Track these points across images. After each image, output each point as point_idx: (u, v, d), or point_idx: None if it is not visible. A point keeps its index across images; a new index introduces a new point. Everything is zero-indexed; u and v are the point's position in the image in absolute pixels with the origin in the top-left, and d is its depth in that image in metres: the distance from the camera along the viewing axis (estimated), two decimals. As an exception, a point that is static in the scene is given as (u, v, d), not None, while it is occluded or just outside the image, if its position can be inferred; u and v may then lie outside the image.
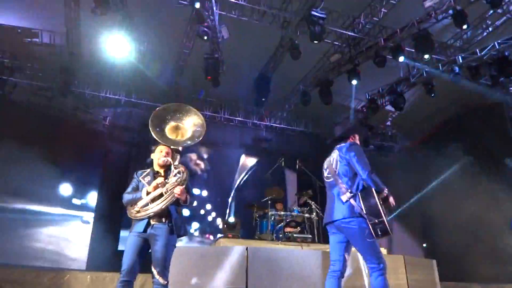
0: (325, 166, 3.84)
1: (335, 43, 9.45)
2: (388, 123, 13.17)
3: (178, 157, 3.75)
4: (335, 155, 3.73)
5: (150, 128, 3.55)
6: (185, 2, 7.86)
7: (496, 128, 10.17)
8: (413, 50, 8.92)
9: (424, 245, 11.05)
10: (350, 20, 9.09)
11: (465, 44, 9.67)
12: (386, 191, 3.46)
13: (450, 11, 7.90)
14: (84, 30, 8.65)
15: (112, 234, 9.47)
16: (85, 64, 9.70)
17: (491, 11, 8.63)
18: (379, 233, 3.30)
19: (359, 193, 3.45)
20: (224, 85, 9.50)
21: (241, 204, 8.74)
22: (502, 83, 9.85)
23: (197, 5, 7.32)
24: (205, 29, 8.06)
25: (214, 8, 8.01)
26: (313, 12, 7.96)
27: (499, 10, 8.60)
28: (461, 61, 9.16)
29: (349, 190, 3.48)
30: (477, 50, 8.93)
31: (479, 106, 10.52)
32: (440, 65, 9.53)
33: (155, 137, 3.56)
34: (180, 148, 3.74)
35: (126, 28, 7.82)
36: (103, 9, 7.18)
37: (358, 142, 3.86)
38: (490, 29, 9.16)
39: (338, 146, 3.80)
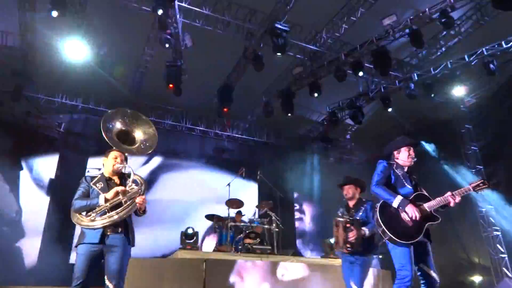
0: None
1: (298, 56, 9.60)
2: (348, 136, 13.49)
3: (126, 164, 3.59)
4: None
5: (102, 131, 3.40)
6: (147, 9, 7.74)
7: (448, 142, 10.66)
8: (372, 66, 9.21)
9: (380, 256, 11.26)
10: (313, 34, 9.28)
11: (421, 62, 10.11)
12: (394, 204, 3.66)
13: (407, 30, 8.25)
14: (40, 32, 8.29)
15: (63, 246, 8.99)
16: (39, 68, 9.28)
17: (445, 32, 9.10)
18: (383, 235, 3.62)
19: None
20: (186, 94, 9.39)
21: (200, 214, 8.58)
22: (454, 101, 10.36)
23: (160, 12, 7.22)
24: (168, 36, 7.94)
25: (178, 16, 7.94)
26: (277, 25, 8.06)
27: (452, 32, 9.09)
28: (416, 78, 9.56)
29: None
30: (432, 68, 9.35)
31: (432, 122, 10.98)
32: (397, 81, 9.89)
33: (107, 141, 3.40)
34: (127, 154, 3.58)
35: (85, 31, 7.58)
36: (60, 11, 6.92)
37: (398, 157, 4.01)
38: (444, 49, 9.65)
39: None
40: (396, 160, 4.00)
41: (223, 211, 8.17)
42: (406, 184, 3.83)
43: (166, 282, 5.38)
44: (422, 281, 3.61)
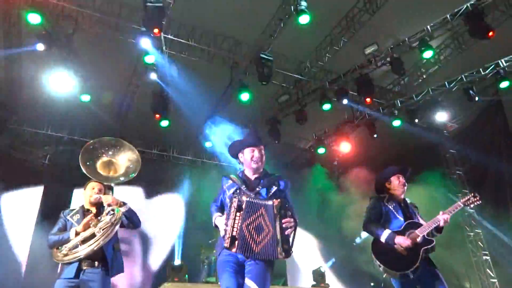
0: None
1: (283, 85, 9.75)
2: (335, 163, 13.54)
3: (111, 193, 3.54)
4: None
5: (80, 163, 3.35)
6: (133, 41, 7.83)
7: (433, 167, 10.78)
8: (356, 94, 9.39)
9: (372, 284, 11.15)
10: (297, 63, 9.47)
11: (403, 89, 10.34)
12: (381, 239, 3.72)
13: (388, 58, 8.49)
14: (25, 64, 8.31)
15: (47, 280, 8.68)
16: (24, 100, 9.23)
17: (425, 60, 9.37)
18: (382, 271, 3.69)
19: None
20: (174, 124, 9.41)
21: (188, 246, 8.42)
22: (437, 126, 10.57)
23: (147, 44, 7.34)
24: (154, 67, 8.03)
25: (164, 48, 8.05)
26: (262, 55, 8.22)
27: (431, 60, 9.37)
28: (399, 105, 9.76)
29: None
30: (414, 95, 9.57)
31: (417, 147, 11.13)
32: (381, 108, 10.08)
33: (85, 172, 3.36)
34: (113, 184, 3.53)
35: (71, 63, 7.61)
36: (47, 45, 6.97)
37: (390, 187, 4.06)
38: (424, 76, 9.91)
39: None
40: (389, 192, 4.04)
41: (211, 241, 8.06)
42: (398, 216, 3.86)
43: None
44: None
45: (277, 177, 3.21)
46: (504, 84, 8.27)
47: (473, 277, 9.90)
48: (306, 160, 12.49)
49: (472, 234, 10.16)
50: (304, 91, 9.72)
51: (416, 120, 9.71)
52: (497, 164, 9.46)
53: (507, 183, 9.40)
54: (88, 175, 3.40)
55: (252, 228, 2.80)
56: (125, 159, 3.57)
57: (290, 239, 2.88)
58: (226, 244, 2.80)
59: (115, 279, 3.48)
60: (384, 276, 3.70)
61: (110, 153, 3.54)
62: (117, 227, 3.35)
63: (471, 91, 8.67)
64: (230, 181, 3.13)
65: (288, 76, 9.55)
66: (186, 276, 7.32)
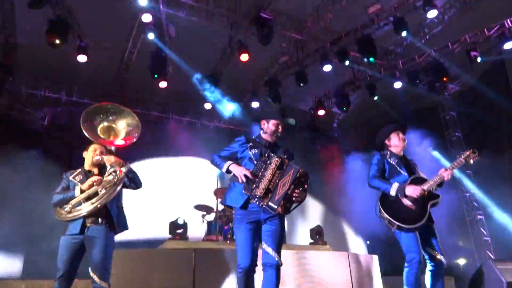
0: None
1: (283, 45, 9.59)
2: (335, 124, 13.56)
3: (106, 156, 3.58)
4: None
5: (81, 126, 3.37)
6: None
7: (432, 129, 10.81)
8: (357, 54, 9.25)
9: (368, 242, 11.46)
10: (298, 23, 9.26)
11: (405, 50, 10.18)
12: (391, 193, 3.76)
13: (391, 18, 8.29)
14: (21, 25, 8.12)
15: (51, 237, 8.89)
16: (21, 60, 9.09)
17: (428, 20, 9.16)
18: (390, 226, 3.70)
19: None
20: (173, 85, 9.34)
21: (187, 204, 8.56)
22: (438, 88, 10.48)
23: (144, 2, 7.15)
24: (152, 26, 7.86)
25: (161, 7, 7.85)
26: (262, 15, 8.02)
27: (435, 20, 9.16)
28: (401, 66, 9.64)
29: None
30: (416, 56, 9.43)
31: (417, 109, 11.11)
32: (382, 69, 9.96)
33: (86, 135, 3.38)
34: (113, 148, 3.56)
35: (67, 24, 7.43)
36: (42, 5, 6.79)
37: (391, 144, 4.11)
38: (428, 37, 9.72)
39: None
40: (389, 149, 4.09)
41: (211, 201, 8.20)
42: (401, 171, 3.93)
43: (156, 272, 5.40)
44: (429, 264, 3.72)
45: (286, 147, 3.62)
46: (508, 45, 8.15)
47: (466, 236, 10.19)
48: (306, 122, 12.48)
49: (467, 194, 10.34)
50: (305, 51, 9.57)
51: (418, 82, 9.62)
52: (497, 126, 9.47)
53: (506, 146, 9.45)
54: (89, 138, 3.42)
55: (282, 185, 3.16)
56: (125, 124, 3.58)
57: (293, 205, 3.25)
58: (260, 194, 3.11)
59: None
60: (393, 229, 3.71)
61: (111, 118, 3.55)
62: (120, 186, 3.41)
63: (474, 53, 8.54)
64: (251, 143, 3.50)
65: (289, 37, 9.37)
66: (187, 234, 7.51)
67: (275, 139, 3.58)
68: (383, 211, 3.76)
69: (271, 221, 3.24)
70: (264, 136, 3.59)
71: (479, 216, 10.16)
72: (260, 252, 3.23)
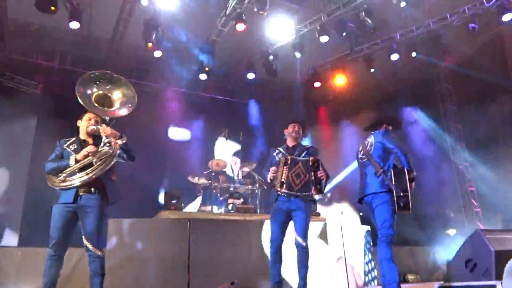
0: (360, 148, 4.37)
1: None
2: (331, 97, 13.47)
3: (101, 125, 3.54)
4: (370, 139, 4.26)
5: (76, 93, 3.33)
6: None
7: (428, 102, 10.84)
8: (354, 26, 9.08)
9: (361, 213, 11.64)
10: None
11: (403, 22, 10.01)
12: (415, 173, 3.94)
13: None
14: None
15: (46, 206, 8.93)
16: (11, 27, 8.86)
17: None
18: (401, 205, 3.81)
19: (391, 170, 4.00)
20: (168, 55, 9.20)
21: (184, 175, 8.60)
22: (435, 61, 10.40)
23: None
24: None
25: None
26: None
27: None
28: (399, 38, 9.52)
29: (382, 168, 3.99)
30: (414, 27, 9.30)
31: (413, 82, 11.06)
32: (379, 41, 9.83)
33: (81, 102, 3.34)
34: (107, 118, 3.53)
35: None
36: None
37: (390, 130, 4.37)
38: (426, 8, 9.54)
39: (373, 132, 4.33)
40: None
41: (206, 172, 8.26)
42: None
43: (151, 242, 5.47)
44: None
45: (308, 146, 4.58)
46: (507, 17, 8.03)
47: (457, 206, 10.38)
48: (301, 94, 12.38)
49: (460, 166, 10.44)
50: (301, 22, 9.39)
51: (414, 54, 9.53)
52: (492, 101, 9.46)
53: (499, 120, 9.48)
54: (84, 105, 3.38)
55: (294, 176, 4.19)
56: (121, 94, 3.53)
57: (322, 183, 4.22)
58: (277, 186, 4.18)
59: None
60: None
61: (107, 87, 3.50)
62: (115, 159, 3.41)
63: (473, 25, 8.43)
64: (277, 151, 4.52)
65: (286, 6, 9.16)
66: (182, 204, 7.58)
67: (296, 141, 4.51)
68: (393, 181, 4.00)
69: (297, 212, 4.16)
70: (287, 142, 4.55)
71: (470, 188, 10.31)
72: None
